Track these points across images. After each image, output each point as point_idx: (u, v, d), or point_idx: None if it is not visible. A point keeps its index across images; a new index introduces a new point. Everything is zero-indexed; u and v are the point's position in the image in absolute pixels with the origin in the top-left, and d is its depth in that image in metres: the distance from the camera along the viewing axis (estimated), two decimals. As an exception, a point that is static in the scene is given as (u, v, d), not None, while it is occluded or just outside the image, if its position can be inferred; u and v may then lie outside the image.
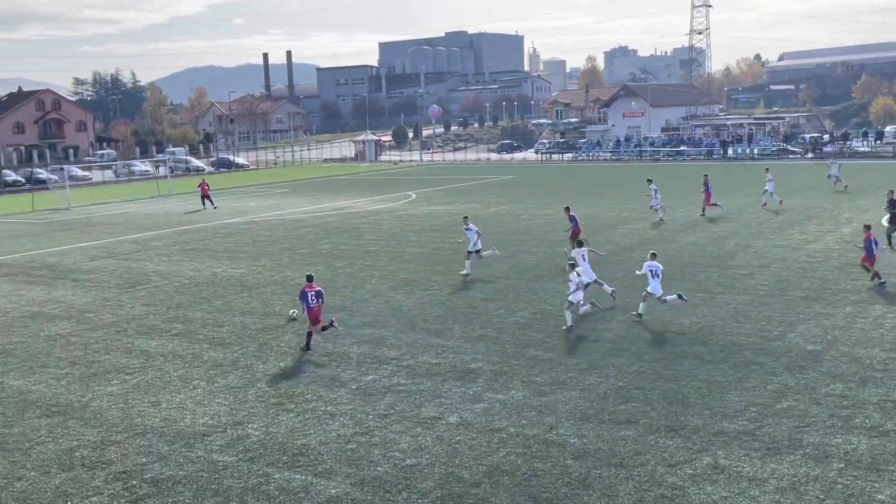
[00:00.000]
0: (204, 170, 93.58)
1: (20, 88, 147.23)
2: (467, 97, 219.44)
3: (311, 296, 18.98)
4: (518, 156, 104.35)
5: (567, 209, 29.69)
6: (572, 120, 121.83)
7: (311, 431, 14.23)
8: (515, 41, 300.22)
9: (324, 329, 19.30)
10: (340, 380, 16.88)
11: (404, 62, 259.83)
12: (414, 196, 54.06)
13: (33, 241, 40.13)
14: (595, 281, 22.04)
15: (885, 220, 29.93)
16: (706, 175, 40.43)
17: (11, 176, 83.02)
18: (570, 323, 19.84)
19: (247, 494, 12.06)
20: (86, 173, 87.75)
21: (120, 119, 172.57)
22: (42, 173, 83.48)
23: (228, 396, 16.16)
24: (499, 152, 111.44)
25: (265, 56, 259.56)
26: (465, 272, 27.03)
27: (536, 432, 13.81)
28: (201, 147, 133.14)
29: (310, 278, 19.57)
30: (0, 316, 23.92)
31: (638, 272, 21.63)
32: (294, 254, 32.63)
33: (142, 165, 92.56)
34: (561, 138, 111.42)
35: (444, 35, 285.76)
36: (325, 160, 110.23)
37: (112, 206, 57.45)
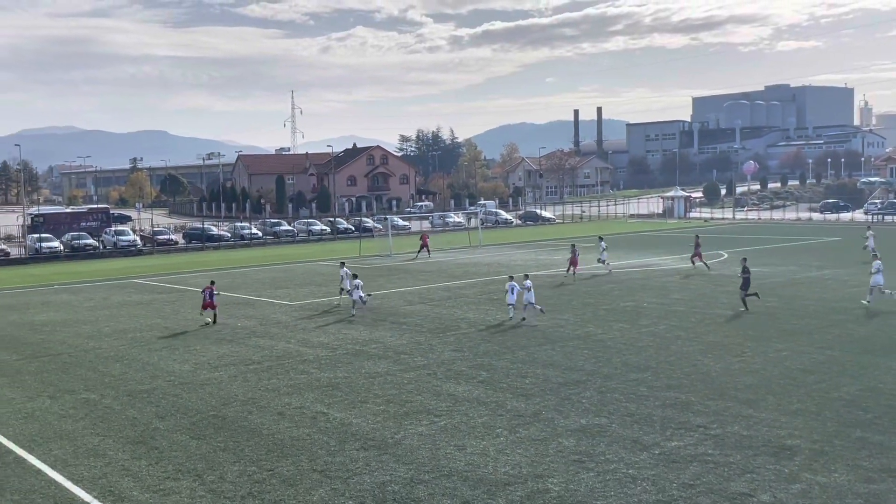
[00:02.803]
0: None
1: (355, 144, 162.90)
2: (787, 153, 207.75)
3: (210, 293, 31.53)
4: (844, 216, 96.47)
5: (573, 246, 44.37)
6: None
7: (612, 493, 13.88)
8: (844, 94, 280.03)
9: (215, 316, 31.79)
10: (643, 443, 16.35)
11: (718, 117, 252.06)
12: (726, 256, 51.79)
13: (359, 283, 43.60)
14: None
15: None
16: (697, 235, 47.44)
17: (343, 224, 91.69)
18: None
19: (545, 550, 11.96)
20: (406, 223, 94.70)
21: (438, 172, 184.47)
22: (368, 222, 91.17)
23: (529, 448, 16.28)
24: (822, 212, 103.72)
25: (575, 112, 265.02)
26: (337, 302, 35.47)
27: (864, 525, 12.40)
28: (510, 200, 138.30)
29: (212, 282, 32.91)
30: (329, 352, 26.20)
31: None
32: (597, 309, 32.50)
33: (455, 217, 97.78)
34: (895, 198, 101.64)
35: (763, 89, 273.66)
36: (632, 215, 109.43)
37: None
